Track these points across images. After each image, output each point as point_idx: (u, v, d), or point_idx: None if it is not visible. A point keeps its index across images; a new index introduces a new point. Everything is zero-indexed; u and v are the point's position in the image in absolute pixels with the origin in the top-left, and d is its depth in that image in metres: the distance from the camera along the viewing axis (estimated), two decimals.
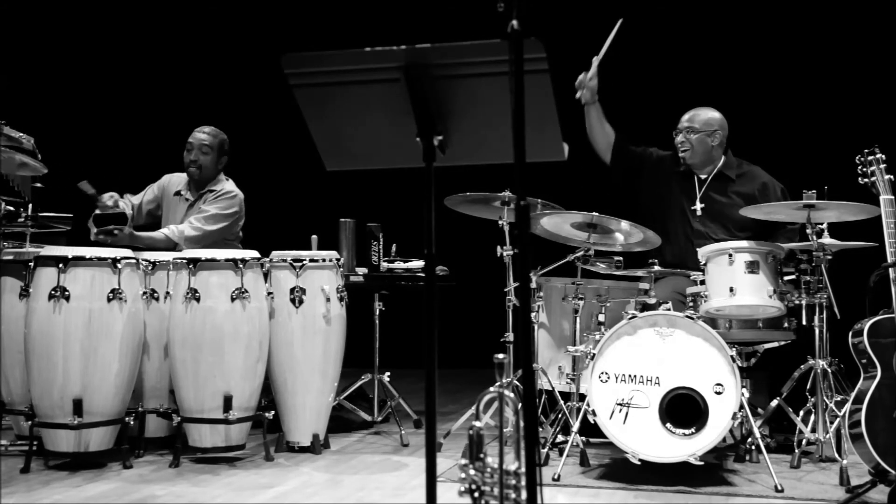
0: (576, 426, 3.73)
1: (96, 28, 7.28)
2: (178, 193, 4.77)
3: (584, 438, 3.84)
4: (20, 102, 5.33)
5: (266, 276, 4.10)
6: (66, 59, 7.23)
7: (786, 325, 3.92)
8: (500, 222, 4.02)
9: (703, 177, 4.45)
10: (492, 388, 2.11)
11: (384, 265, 4.73)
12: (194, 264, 3.88)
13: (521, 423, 1.97)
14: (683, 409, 3.50)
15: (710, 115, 4.43)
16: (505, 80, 1.76)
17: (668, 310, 3.71)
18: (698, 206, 4.39)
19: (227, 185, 4.71)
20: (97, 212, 4.35)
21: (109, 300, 3.72)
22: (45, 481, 3.54)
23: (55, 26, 7.21)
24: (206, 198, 4.67)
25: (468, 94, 1.94)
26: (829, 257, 3.76)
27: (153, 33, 7.29)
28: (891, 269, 3.19)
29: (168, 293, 4.01)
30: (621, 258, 4.10)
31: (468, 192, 4.04)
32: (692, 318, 3.56)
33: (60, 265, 3.68)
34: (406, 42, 2.00)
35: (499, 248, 4.01)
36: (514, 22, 1.72)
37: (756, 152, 4.57)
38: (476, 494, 2.03)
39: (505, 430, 2.04)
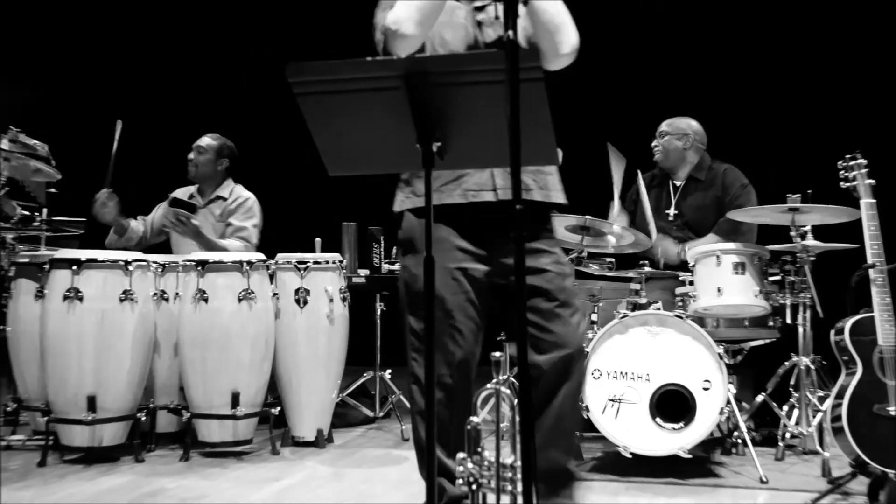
0: None
1: (106, 37, 7.35)
2: None
3: (577, 433, 3.92)
4: (35, 110, 5.38)
5: (272, 277, 4.15)
6: (80, 67, 7.30)
7: (771, 323, 3.99)
8: None
9: (677, 183, 4.54)
10: (489, 385, 2.13)
11: (385, 267, 4.80)
12: (202, 266, 3.96)
13: (517, 419, 2.00)
14: (673, 404, 3.58)
15: (683, 120, 4.54)
16: (501, 89, 1.75)
17: (658, 309, 3.78)
18: (672, 211, 4.48)
19: (238, 190, 4.73)
20: (175, 195, 4.54)
21: (121, 301, 3.79)
22: (60, 475, 3.60)
23: (68, 35, 7.28)
24: (220, 205, 4.68)
25: (466, 101, 1.92)
26: (813, 258, 3.82)
27: (162, 42, 7.32)
28: (871, 270, 3.22)
29: (177, 294, 4.08)
30: (613, 260, 4.17)
31: None
32: (681, 317, 3.63)
33: (74, 267, 3.74)
34: None
35: None
36: (510, 32, 1.74)
37: (741, 157, 4.62)
38: (474, 487, 2.07)
39: (502, 425, 2.08)
